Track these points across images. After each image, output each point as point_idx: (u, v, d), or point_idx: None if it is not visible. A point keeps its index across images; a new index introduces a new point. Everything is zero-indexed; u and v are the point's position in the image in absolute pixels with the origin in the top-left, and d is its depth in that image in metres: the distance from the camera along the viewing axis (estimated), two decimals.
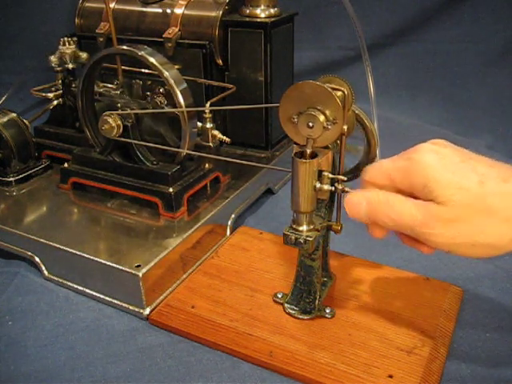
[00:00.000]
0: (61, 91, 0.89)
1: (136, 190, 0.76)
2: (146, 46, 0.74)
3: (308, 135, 0.51)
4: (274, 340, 0.58)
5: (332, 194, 0.57)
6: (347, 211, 0.52)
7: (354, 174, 0.62)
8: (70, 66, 0.88)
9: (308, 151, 0.51)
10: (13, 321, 0.64)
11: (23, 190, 0.83)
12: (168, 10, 0.90)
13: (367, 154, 0.60)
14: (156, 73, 0.73)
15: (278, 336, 0.58)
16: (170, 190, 0.73)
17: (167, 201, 0.73)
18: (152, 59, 0.72)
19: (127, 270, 0.64)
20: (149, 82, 0.83)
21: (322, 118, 0.50)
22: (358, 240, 0.77)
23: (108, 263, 0.65)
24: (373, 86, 0.92)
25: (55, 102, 0.89)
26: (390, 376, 0.53)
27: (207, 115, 0.77)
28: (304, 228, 0.54)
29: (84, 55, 0.88)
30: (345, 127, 0.52)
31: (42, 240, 0.70)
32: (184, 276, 0.70)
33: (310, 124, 0.50)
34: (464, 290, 0.66)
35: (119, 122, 0.73)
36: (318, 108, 0.50)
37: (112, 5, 0.95)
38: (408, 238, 0.50)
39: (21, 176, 0.84)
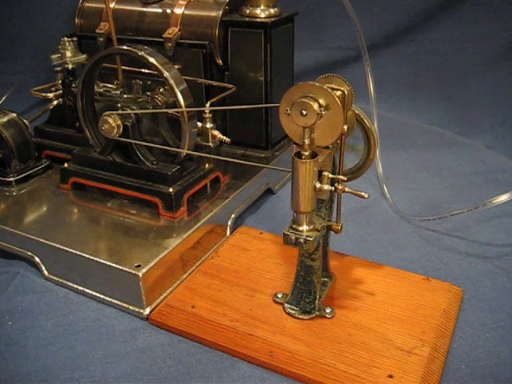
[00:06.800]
0: (61, 91, 0.89)
1: (136, 190, 0.76)
2: (145, 46, 0.74)
3: (303, 124, 0.51)
4: (274, 340, 0.58)
5: (332, 193, 0.57)
6: None
7: (354, 174, 0.62)
8: (70, 66, 0.88)
9: (306, 145, 0.51)
10: (13, 321, 0.64)
11: (23, 190, 0.83)
12: (168, 10, 0.90)
13: (367, 153, 0.60)
14: (156, 73, 0.73)
15: (278, 336, 0.58)
16: (170, 189, 0.73)
17: (167, 201, 0.73)
18: (152, 59, 0.72)
19: (127, 269, 0.64)
20: (149, 82, 0.83)
21: (314, 104, 0.50)
22: (357, 240, 0.78)
23: (108, 263, 0.65)
24: (373, 86, 0.92)
25: (55, 102, 0.89)
26: (390, 376, 0.53)
27: (207, 115, 0.77)
28: (304, 228, 0.54)
29: (83, 56, 0.88)
30: (345, 127, 0.52)
31: (42, 240, 0.70)
32: (184, 276, 0.70)
33: (304, 112, 0.50)
34: (464, 290, 0.66)
35: (119, 122, 0.73)
36: (311, 96, 0.50)
37: (112, 5, 0.95)
38: None
39: (21, 176, 0.84)
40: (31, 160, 0.87)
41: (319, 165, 0.52)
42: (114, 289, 0.66)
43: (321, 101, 0.50)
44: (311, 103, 0.49)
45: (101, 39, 0.96)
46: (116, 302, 0.66)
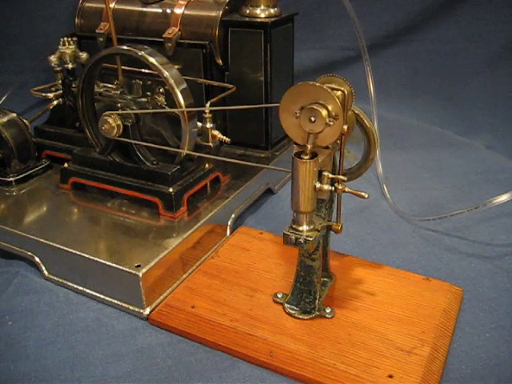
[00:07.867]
0: (61, 91, 0.89)
1: (136, 190, 0.76)
2: (145, 46, 0.74)
3: (310, 130, 0.51)
4: (274, 340, 0.58)
5: (332, 193, 0.57)
6: None
7: (354, 174, 0.62)
8: (70, 66, 0.88)
9: (308, 149, 0.51)
10: (13, 321, 0.64)
11: (23, 190, 0.83)
12: (168, 10, 0.90)
13: (367, 154, 0.60)
14: (156, 73, 0.73)
15: (278, 336, 0.58)
16: (170, 189, 0.73)
17: (167, 201, 0.73)
18: (152, 59, 0.72)
19: (127, 269, 0.64)
20: (149, 82, 0.83)
21: (324, 112, 0.50)
22: (358, 240, 0.78)
23: (108, 263, 0.65)
24: (373, 86, 0.92)
25: (55, 102, 0.89)
26: (390, 376, 0.53)
27: (207, 115, 0.77)
28: (304, 228, 0.54)
29: (84, 55, 0.88)
30: (345, 127, 0.52)
31: (42, 240, 0.70)
32: (184, 276, 0.70)
33: (312, 118, 0.50)
34: (464, 290, 0.66)
35: (119, 122, 0.73)
36: (321, 103, 0.50)
37: (112, 5, 0.95)
38: None
39: (21, 176, 0.84)
40: (31, 160, 0.87)
41: (319, 165, 0.52)
42: (113, 289, 0.66)
43: (330, 108, 0.50)
44: (321, 111, 0.50)
45: (101, 39, 0.96)
46: (116, 301, 0.66)
